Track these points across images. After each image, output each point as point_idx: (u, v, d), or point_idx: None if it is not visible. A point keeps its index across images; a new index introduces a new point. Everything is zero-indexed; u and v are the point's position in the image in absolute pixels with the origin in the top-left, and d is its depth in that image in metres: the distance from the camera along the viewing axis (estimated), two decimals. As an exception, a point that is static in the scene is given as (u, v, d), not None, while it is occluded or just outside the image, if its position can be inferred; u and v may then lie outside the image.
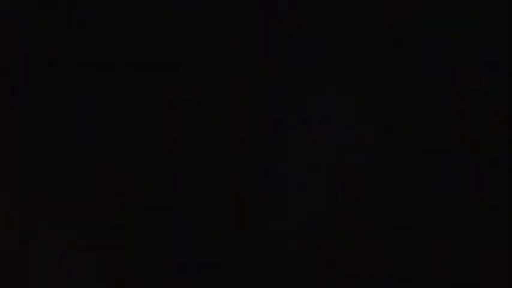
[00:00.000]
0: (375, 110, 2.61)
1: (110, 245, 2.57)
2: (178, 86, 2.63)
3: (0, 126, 2.58)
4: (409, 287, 2.54)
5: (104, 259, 2.56)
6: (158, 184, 2.59)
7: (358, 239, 2.56)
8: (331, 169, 2.59)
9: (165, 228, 2.58)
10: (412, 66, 2.62)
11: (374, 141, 2.59)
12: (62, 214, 2.57)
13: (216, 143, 2.60)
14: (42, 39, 2.61)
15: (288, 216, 2.59)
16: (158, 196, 2.59)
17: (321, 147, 2.60)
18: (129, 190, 2.59)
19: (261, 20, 2.63)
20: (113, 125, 2.61)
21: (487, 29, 2.61)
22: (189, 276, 2.56)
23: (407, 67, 2.62)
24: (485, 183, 2.57)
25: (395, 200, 2.57)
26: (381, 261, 2.55)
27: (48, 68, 2.61)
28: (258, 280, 2.56)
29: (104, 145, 2.60)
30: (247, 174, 2.60)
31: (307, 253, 2.57)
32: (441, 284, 2.53)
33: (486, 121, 2.58)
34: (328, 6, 2.63)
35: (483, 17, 2.61)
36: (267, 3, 2.64)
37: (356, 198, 2.58)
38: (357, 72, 2.62)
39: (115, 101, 2.62)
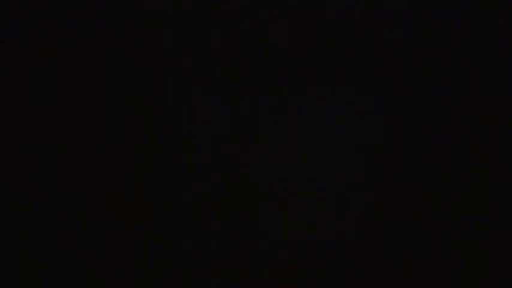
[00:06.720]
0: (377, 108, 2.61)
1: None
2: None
3: None
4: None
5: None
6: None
7: (360, 240, 2.56)
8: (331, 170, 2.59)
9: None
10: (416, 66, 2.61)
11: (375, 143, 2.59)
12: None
13: (212, 143, 2.60)
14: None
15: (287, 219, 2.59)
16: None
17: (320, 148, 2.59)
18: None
19: (257, 16, 2.62)
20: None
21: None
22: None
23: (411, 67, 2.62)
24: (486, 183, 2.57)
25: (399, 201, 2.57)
26: (385, 263, 2.55)
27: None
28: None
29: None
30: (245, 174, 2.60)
31: (308, 252, 2.57)
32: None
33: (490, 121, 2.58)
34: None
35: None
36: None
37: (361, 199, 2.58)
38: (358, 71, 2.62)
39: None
